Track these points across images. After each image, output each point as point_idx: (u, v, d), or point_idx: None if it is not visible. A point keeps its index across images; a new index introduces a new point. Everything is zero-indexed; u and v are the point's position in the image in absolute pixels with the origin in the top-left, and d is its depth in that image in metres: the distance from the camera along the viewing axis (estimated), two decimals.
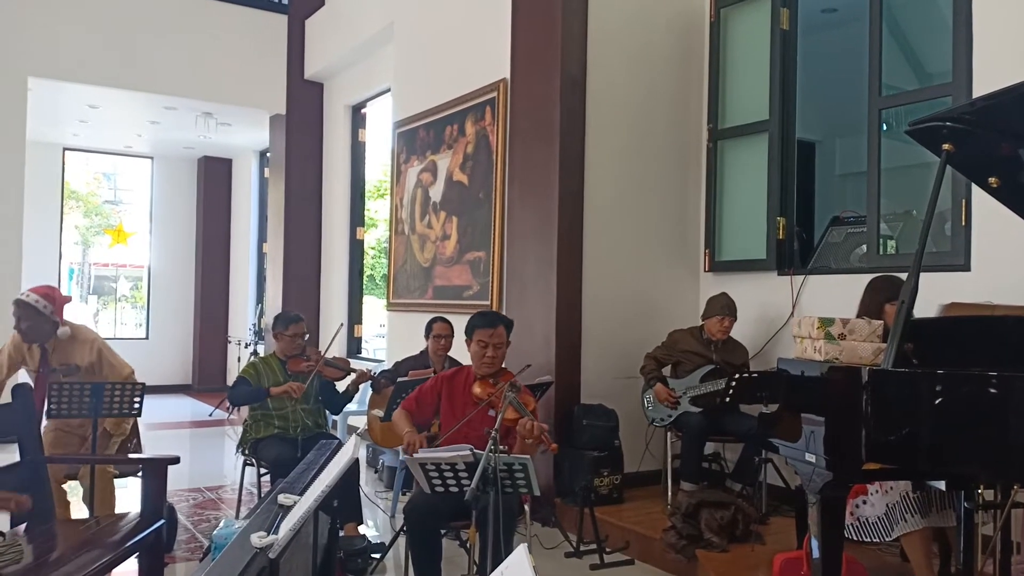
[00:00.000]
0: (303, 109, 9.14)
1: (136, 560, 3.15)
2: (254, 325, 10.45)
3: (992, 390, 2.34)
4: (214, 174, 11.81)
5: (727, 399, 4.21)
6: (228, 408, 9.20)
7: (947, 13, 4.33)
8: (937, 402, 2.38)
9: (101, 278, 12.93)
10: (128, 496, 4.68)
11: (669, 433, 4.84)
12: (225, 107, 9.07)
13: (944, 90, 4.32)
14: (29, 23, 7.63)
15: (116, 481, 4.18)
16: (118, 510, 3.94)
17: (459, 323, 3.85)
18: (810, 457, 2.56)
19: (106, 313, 12.56)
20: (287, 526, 1.90)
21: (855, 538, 3.14)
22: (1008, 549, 2.83)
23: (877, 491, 3.10)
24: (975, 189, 3.85)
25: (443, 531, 3.41)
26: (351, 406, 5.12)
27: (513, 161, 5.50)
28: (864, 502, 3.14)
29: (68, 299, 4.25)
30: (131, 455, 4.17)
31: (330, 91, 9.17)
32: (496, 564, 2.58)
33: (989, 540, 2.79)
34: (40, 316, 4.00)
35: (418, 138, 6.71)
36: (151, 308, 11.83)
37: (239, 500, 4.76)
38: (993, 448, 2.36)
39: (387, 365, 5.95)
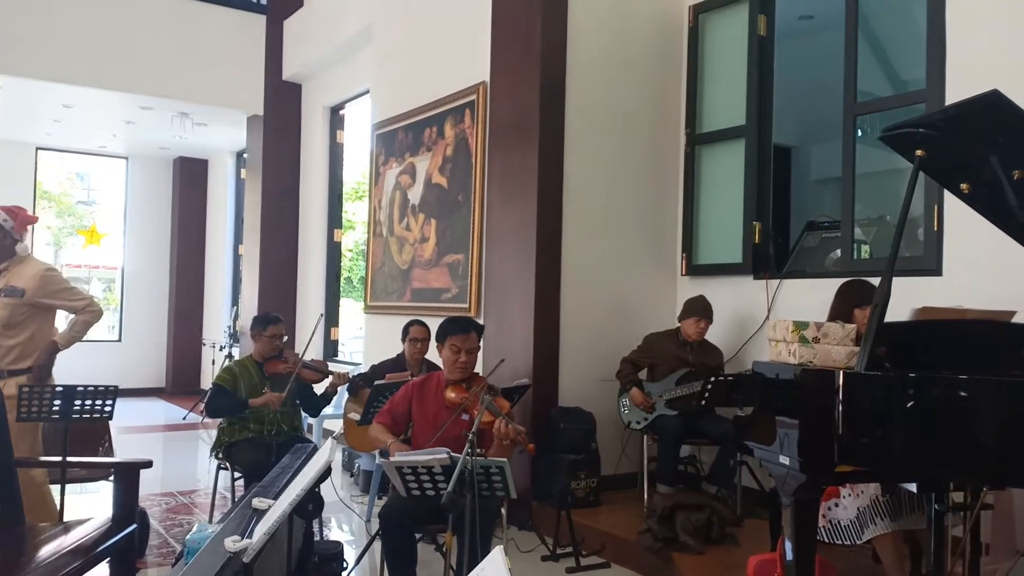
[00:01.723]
0: (281, 110, 9.09)
1: (107, 565, 3.11)
2: (229, 327, 10.36)
3: (962, 393, 2.38)
4: (190, 175, 11.72)
5: (703, 402, 4.23)
6: (202, 412, 9.11)
7: (921, 21, 4.39)
8: (908, 405, 2.41)
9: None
10: (100, 501, 4.62)
11: (645, 436, 4.86)
12: (202, 107, 9.00)
13: (918, 97, 4.38)
14: (1, 20, 7.52)
15: (89, 485, 4.11)
16: (89, 515, 3.88)
17: (437, 326, 3.84)
18: (784, 459, 2.58)
19: None
20: (261, 530, 1.88)
21: (827, 540, 3.17)
22: (977, 550, 2.87)
23: (849, 494, 3.13)
24: (947, 195, 3.91)
25: (419, 535, 3.40)
26: (327, 409, 5.08)
27: (492, 164, 5.50)
28: (836, 505, 3.16)
29: (34, 219, 4.23)
30: (103, 459, 4.11)
31: (308, 92, 9.12)
32: (473, 568, 2.58)
33: (959, 542, 2.82)
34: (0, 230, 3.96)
35: (397, 140, 6.70)
36: (124, 310, 11.69)
37: (212, 504, 4.71)
38: (963, 450, 2.39)
39: (364, 368, 5.92)
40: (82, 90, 8.22)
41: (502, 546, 1.25)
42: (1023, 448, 2.34)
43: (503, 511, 3.61)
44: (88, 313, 4.16)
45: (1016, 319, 2.90)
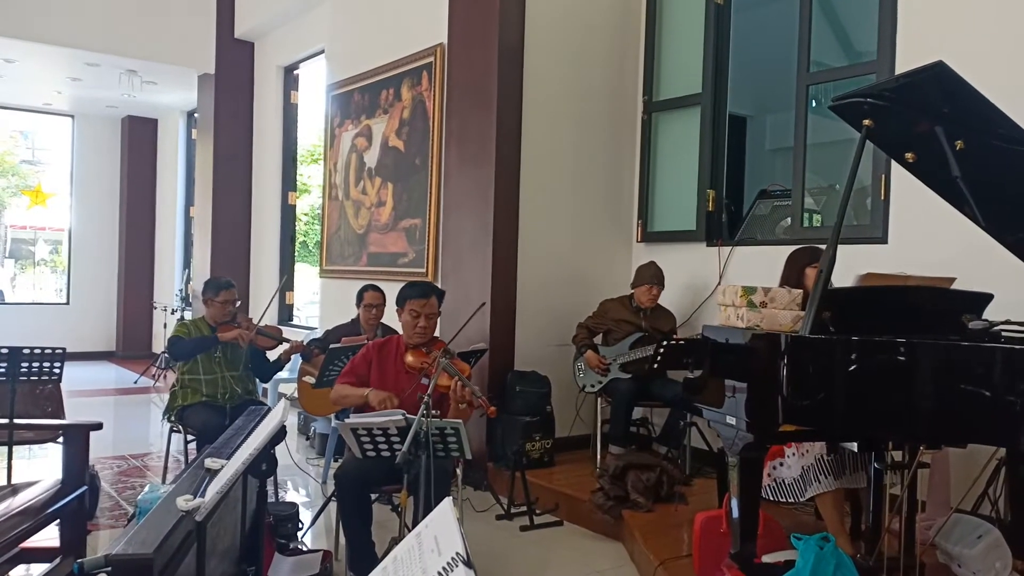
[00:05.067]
0: (233, 69, 8.88)
1: (57, 527, 3.09)
2: (181, 291, 10.20)
3: (901, 357, 2.47)
4: (139, 134, 11.41)
5: (655, 365, 4.31)
6: (154, 375, 8.99)
7: None
8: (851, 368, 2.50)
9: (18, 241, 12.38)
10: (49, 464, 4.57)
11: (599, 399, 4.94)
12: (151, 65, 8.74)
13: (869, 67, 4.45)
14: None
15: (36, 448, 4.05)
16: (38, 477, 3.84)
17: (393, 291, 3.84)
18: (731, 420, 2.65)
19: (24, 277, 12.05)
20: (214, 489, 1.89)
21: (772, 498, 3.28)
22: (914, 507, 2.99)
23: (793, 454, 3.23)
24: (894, 165, 4.00)
25: (374, 496, 3.43)
26: (281, 373, 5.05)
27: (450, 128, 5.47)
28: (781, 464, 3.27)
29: None
30: (51, 421, 4.05)
31: (261, 51, 8.92)
32: None
33: (896, 499, 2.94)
34: None
35: (353, 102, 6.60)
36: (72, 272, 11.42)
37: (165, 467, 4.68)
38: (901, 411, 2.49)
39: (318, 333, 5.89)
40: (24, 44, 7.91)
41: (450, 498, 1.28)
42: (958, 408, 2.44)
43: (458, 471, 3.65)
44: None
45: (956, 285, 3.00)
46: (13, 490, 3.12)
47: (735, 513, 2.72)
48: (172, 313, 10.03)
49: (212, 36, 8.80)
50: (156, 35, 8.42)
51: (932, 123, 2.66)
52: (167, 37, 8.51)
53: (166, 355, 8.40)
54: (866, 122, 2.70)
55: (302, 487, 5.02)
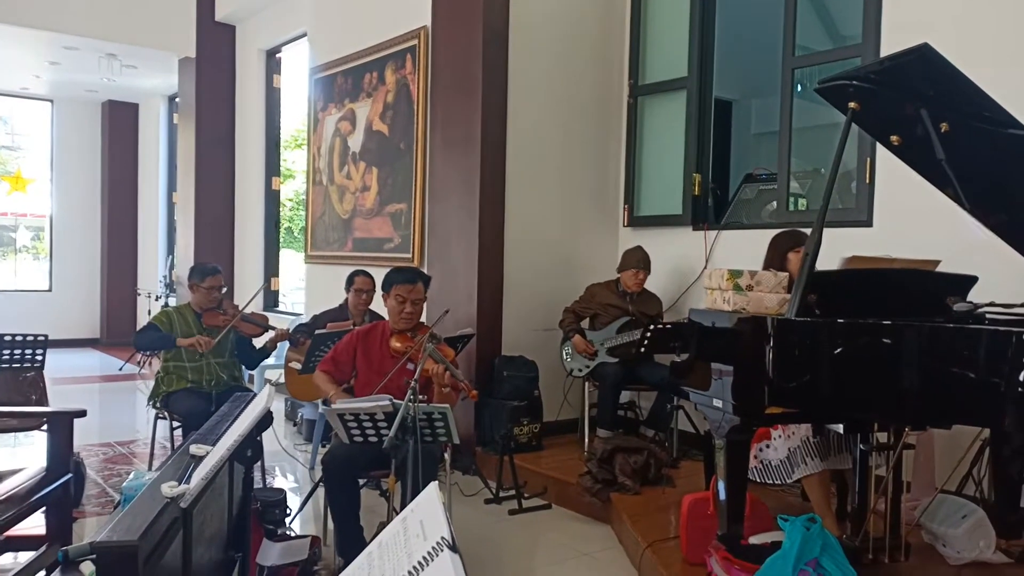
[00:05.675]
0: (214, 53, 8.78)
1: (42, 515, 3.06)
2: (165, 277, 10.12)
3: (886, 339, 2.48)
4: (119, 119, 11.28)
5: (642, 349, 4.32)
6: (140, 362, 8.93)
7: None
8: (837, 350, 2.51)
9: None
10: (34, 451, 4.53)
11: (587, 383, 4.95)
12: (130, 48, 8.62)
13: (854, 51, 4.45)
14: None
15: (21, 436, 4.02)
16: (23, 464, 3.80)
17: (379, 276, 3.82)
18: (718, 403, 2.66)
19: (5, 264, 11.91)
20: (199, 476, 1.87)
21: (759, 480, 3.29)
22: (899, 488, 3.02)
23: (780, 436, 3.25)
24: (879, 149, 4.01)
25: (362, 481, 3.42)
26: (268, 359, 5.03)
27: (435, 112, 5.43)
28: (767, 446, 3.29)
29: None
30: (35, 408, 4.01)
31: (243, 34, 8.81)
32: None
33: (882, 480, 2.97)
34: None
35: (336, 85, 6.54)
36: (54, 259, 11.31)
37: (151, 454, 4.65)
38: (887, 393, 2.51)
39: (305, 319, 5.86)
40: (0, 27, 7.78)
41: (436, 482, 1.27)
42: (942, 390, 2.46)
43: (446, 456, 3.65)
44: None
45: (940, 268, 3.02)
46: None
47: (722, 495, 2.74)
48: (156, 299, 9.96)
49: (192, 19, 8.68)
50: (135, 18, 8.30)
51: (917, 106, 2.66)
52: (147, 20, 8.39)
53: None
54: (852, 105, 2.69)
55: (290, 473, 5.01)
